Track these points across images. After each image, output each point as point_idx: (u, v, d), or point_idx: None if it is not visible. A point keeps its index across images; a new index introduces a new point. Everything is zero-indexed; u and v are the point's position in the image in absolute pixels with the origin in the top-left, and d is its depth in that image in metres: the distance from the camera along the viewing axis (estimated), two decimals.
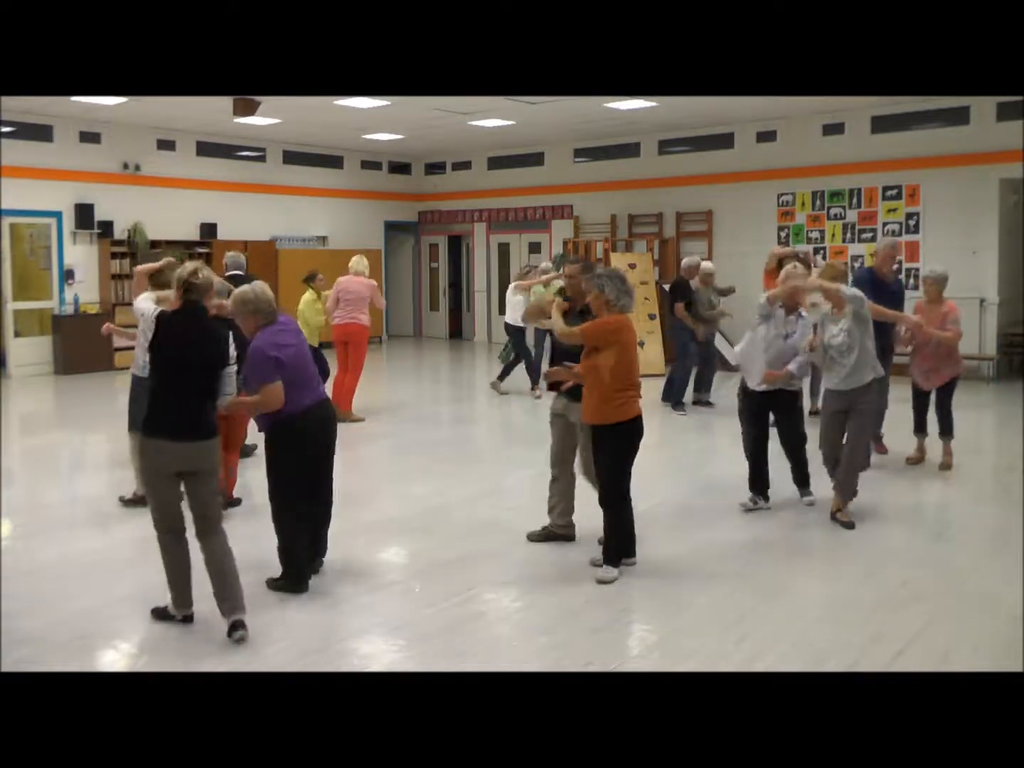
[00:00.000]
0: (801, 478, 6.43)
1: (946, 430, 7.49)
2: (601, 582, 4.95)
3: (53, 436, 9.83)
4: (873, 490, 6.66)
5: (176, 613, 4.50)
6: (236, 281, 6.46)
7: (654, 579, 5.10)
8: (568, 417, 5.40)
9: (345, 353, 9.88)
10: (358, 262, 9.92)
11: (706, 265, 10.81)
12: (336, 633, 4.43)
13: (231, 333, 4.92)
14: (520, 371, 11.65)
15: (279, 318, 4.82)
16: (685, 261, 10.76)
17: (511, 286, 11.81)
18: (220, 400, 4.60)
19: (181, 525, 4.42)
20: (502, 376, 11.70)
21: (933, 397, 7.49)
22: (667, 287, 14.55)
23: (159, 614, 4.54)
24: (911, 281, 12.98)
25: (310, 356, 5.00)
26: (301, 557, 4.90)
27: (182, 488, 4.38)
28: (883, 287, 7.41)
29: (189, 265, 4.49)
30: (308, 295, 9.74)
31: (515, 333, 11.48)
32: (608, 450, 4.98)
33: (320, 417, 4.88)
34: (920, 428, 7.61)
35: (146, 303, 5.43)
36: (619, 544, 5.09)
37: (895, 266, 7.80)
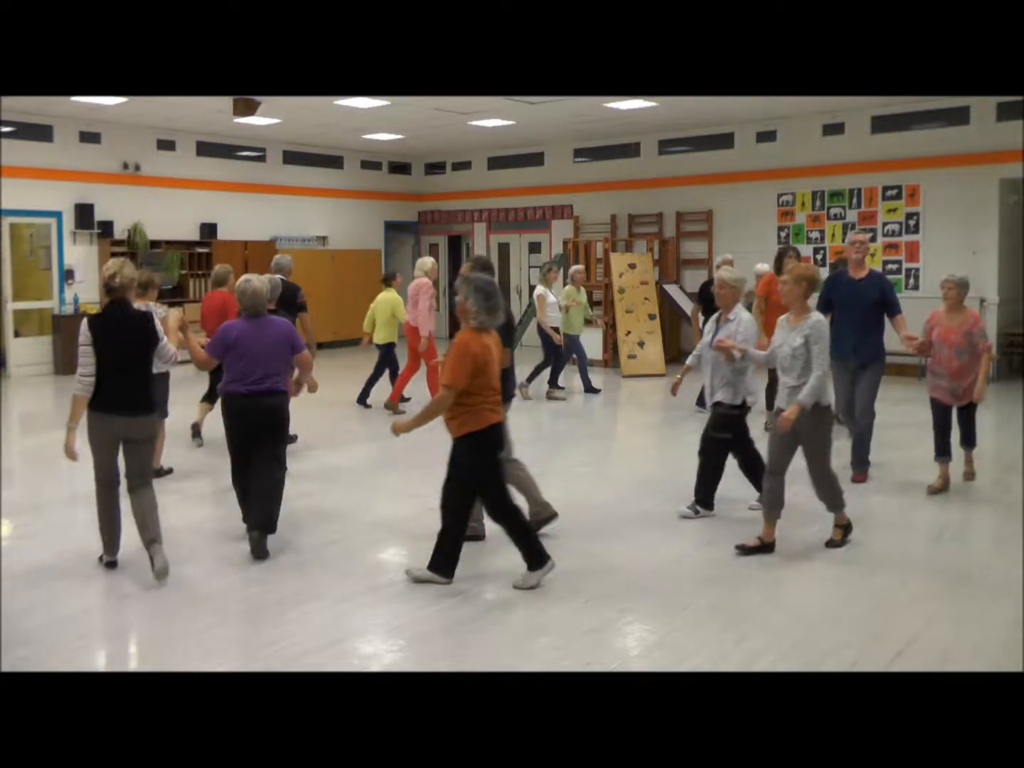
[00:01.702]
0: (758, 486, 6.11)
1: (969, 440, 6.99)
2: (416, 580, 4.97)
3: (53, 436, 9.81)
4: (873, 490, 6.66)
5: (105, 557, 5.28)
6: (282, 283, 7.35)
7: (654, 579, 5.10)
8: None
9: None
10: (421, 264, 10.23)
11: (760, 268, 9.94)
12: (336, 633, 4.43)
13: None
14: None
15: (264, 318, 5.63)
16: (720, 260, 9.90)
17: (543, 289, 11.54)
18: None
19: (113, 479, 5.22)
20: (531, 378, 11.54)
21: (954, 412, 6.90)
22: (663, 286, 14.59)
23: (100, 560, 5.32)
24: (911, 281, 13.00)
25: (266, 356, 5.47)
26: (244, 511, 5.73)
27: (121, 451, 5.18)
28: (845, 289, 7.06)
29: (109, 267, 5.16)
30: (385, 294, 10.49)
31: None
32: (464, 460, 4.91)
33: (241, 406, 5.49)
34: (944, 451, 6.84)
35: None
36: (448, 554, 4.95)
37: (857, 256, 7.12)
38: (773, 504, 5.51)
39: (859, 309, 6.90)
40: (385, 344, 10.52)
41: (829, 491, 5.56)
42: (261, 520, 5.48)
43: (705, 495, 6.22)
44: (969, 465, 7.06)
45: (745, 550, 5.44)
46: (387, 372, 10.60)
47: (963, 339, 6.58)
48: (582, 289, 11.83)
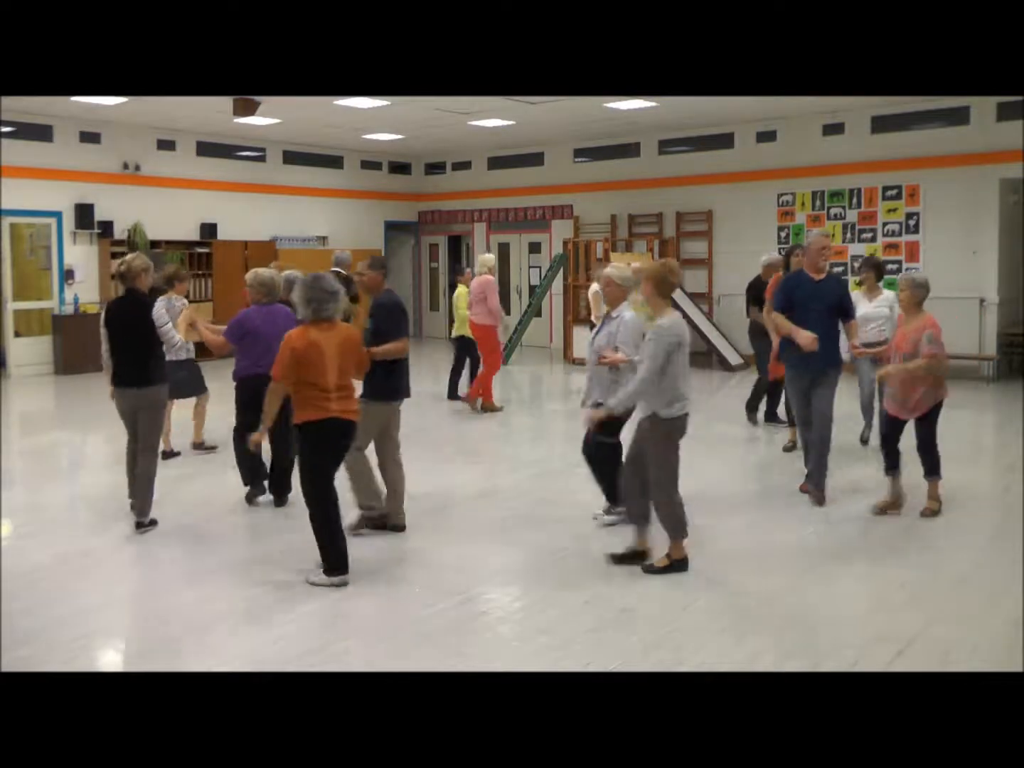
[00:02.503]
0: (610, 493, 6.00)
1: (932, 469, 6.19)
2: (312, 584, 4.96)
3: (53, 436, 9.84)
4: (872, 491, 6.66)
5: (135, 518, 6.03)
6: (337, 276, 7.64)
7: (654, 579, 5.09)
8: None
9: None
10: (482, 262, 10.56)
11: (769, 257, 9.29)
12: (336, 633, 4.43)
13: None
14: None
15: (275, 306, 6.41)
16: (765, 259, 9.36)
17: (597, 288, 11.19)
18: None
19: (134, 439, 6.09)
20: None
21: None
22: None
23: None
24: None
25: (277, 340, 5.47)
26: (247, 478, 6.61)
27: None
28: (809, 289, 6.51)
29: (123, 259, 6.04)
30: (460, 289, 11.02)
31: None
32: (301, 449, 5.10)
33: (256, 386, 5.72)
34: (892, 465, 6.22)
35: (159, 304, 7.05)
36: (331, 551, 4.95)
37: (824, 263, 6.64)
38: (638, 517, 5.28)
39: (822, 312, 6.45)
40: (460, 337, 10.90)
41: (667, 516, 5.13)
42: (279, 492, 6.50)
43: (610, 491, 5.97)
44: (933, 502, 6.21)
45: (616, 558, 5.24)
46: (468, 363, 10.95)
47: (912, 347, 5.98)
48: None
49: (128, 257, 6.05)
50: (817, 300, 6.48)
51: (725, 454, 8.22)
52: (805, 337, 6.26)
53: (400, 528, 5.87)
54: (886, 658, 4.07)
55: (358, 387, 5.36)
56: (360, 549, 5.72)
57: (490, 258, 10.84)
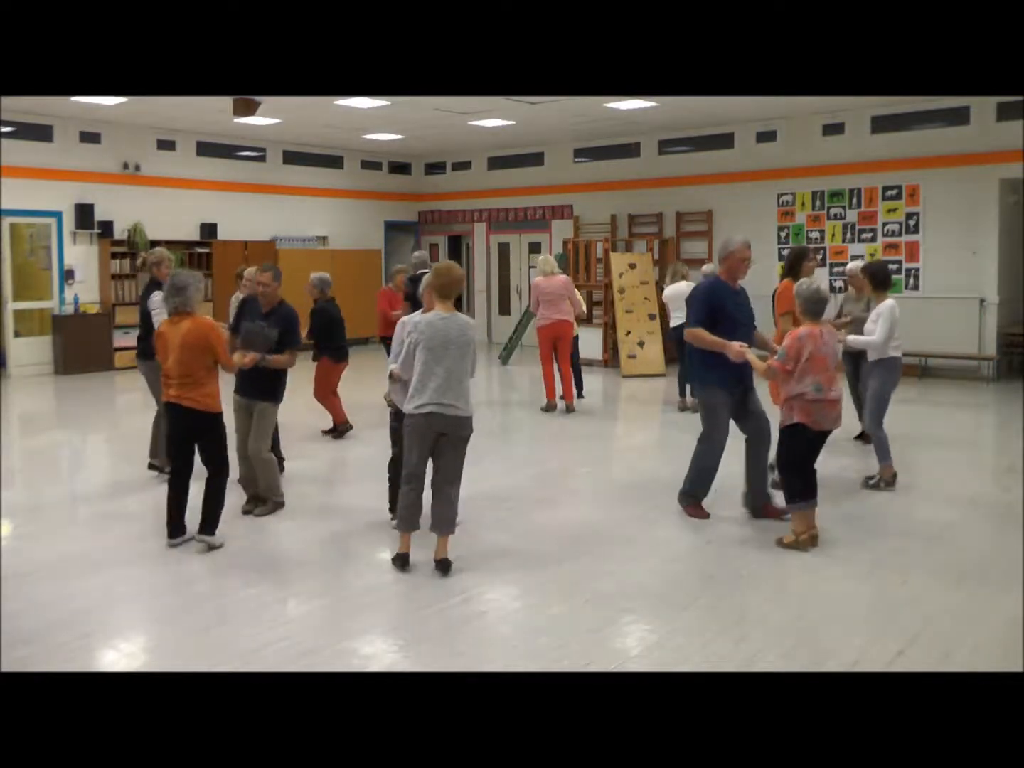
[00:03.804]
0: None
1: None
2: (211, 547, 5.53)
3: (53, 436, 9.83)
4: (872, 491, 6.66)
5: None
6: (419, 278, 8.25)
7: (654, 579, 5.10)
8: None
9: (551, 349, 10.45)
10: (545, 262, 10.52)
11: (852, 266, 8.71)
12: (336, 633, 4.43)
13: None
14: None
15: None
16: (708, 268, 9.60)
17: (682, 283, 10.59)
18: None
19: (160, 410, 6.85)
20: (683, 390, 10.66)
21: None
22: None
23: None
24: (911, 281, 13.00)
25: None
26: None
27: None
28: (730, 299, 6.05)
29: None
30: None
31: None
32: None
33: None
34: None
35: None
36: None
37: (742, 276, 6.27)
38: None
39: (747, 324, 6.07)
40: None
41: (444, 508, 5.15)
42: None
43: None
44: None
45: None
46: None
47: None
48: None
49: (156, 250, 7.39)
50: (744, 311, 6.10)
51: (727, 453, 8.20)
52: (735, 349, 5.71)
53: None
54: (886, 658, 4.07)
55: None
56: (360, 549, 5.73)
57: (551, 259, 10.78)
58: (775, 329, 7.08)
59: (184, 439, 5.66)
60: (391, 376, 5.45)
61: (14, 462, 8.12)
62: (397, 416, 5.62)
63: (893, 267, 12.96)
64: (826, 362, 5.48)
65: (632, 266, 14.29)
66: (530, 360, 15.49)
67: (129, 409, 11.58)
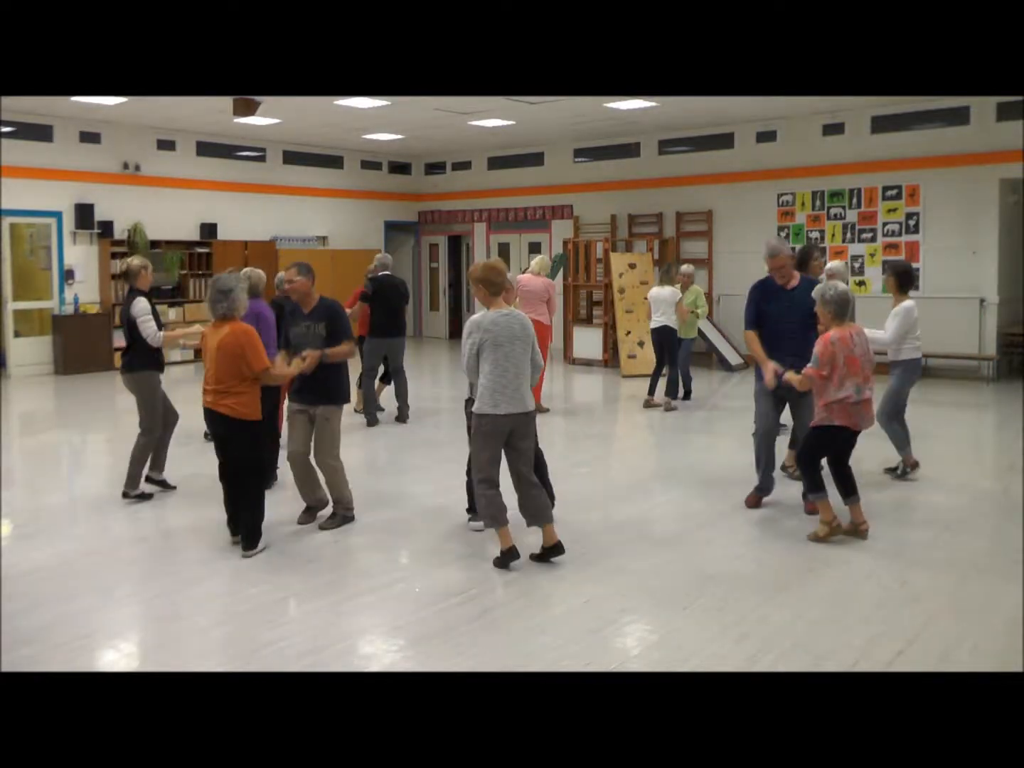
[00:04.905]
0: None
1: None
2: None
3: (53, 436, 9.83)
4: (872, 491, 6.66)
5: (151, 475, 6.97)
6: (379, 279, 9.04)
7: (653, 579, 5.10)
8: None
9: None
10: (538, 262, 10.50)
11: (834, 265, 8.34)
12: (336, 633, 4.43)
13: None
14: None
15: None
16: (686, 268, 9.98)
17: (667, 288, 10.62)
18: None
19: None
20: (661, 390, 10.68)
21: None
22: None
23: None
24: (919, 283, 12.99)
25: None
26: None
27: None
28: (774, 300, 6.16)
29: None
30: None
31: (673, 336, 10.56)
32: None
33: None
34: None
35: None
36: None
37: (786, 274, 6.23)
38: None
39: (796, 332, 6.05)
40: None
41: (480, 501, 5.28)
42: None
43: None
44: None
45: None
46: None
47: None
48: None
49: (133, 258, 7.05)
50: (792, 313, 6.08)
51: (728, 452, 8.22)
52: (768, 376, 5.89)
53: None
54: (886, 658, 4.07)
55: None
56: (359, 548, 5.73)
57: (541, 260, 10.62)
58: None
59: (221, 440, 5.60)
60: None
61: (14, 462, 8.12)
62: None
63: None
64: (859, 362, 5.56)
65: (632, 266, 14.29)
66: None
67: (129, 409, 11.56)
